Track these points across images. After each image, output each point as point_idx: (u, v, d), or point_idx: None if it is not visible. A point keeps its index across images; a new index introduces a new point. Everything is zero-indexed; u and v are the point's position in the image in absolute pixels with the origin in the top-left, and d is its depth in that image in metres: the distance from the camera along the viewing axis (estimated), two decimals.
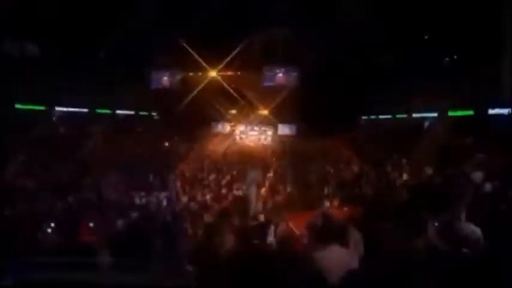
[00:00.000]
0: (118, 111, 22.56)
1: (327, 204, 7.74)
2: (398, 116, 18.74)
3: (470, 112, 13.24)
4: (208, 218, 7.63)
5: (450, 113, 14.35)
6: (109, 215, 7.55)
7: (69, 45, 15.39)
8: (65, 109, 17.97)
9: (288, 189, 11.28)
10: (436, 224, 4.66)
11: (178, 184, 11.53)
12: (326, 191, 10.10)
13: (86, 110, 19.71)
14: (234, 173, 13.85)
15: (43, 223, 5.01)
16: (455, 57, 14.66)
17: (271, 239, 4.53)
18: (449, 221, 4.43)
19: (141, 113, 24.64)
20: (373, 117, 22.25)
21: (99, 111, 20.76)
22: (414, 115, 17.13)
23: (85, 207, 8.36)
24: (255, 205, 9.16)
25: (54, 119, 17.22)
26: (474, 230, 3.42)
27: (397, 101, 18.51)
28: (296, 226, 4.54)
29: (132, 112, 23.75)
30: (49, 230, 4.29)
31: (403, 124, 17.12)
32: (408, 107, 17.70)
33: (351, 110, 21.05)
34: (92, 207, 8.40)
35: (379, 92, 19.12)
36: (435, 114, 15.50)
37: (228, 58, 20.52)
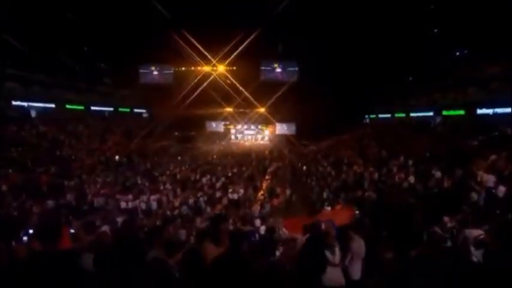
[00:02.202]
0: (94, 108, 21.63)
1: (328, 208, 7.71)
2: (397, 115, 19.96)
3: (462, 112, 14.40)
4: (200, 222, 7.56)
5: (444, 113, 15.49)
6: (93, 220, 7.40)
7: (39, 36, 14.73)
8: (25, 104, 16.73)
9: (288, 192, 11.22)
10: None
11: (169, 186, 11.39)
12: (325, 195, 10.07)
13: (53, 105, 18.54)
14: (229, 174, 13.77)
15: (19, 229, 4.86)
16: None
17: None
18: (457, 227, 4.44)
19: (121, 109, 23.97)
20: (373, 116, 22.95)
21: (69, 107, 19.70)
22: (412, 114, 18.30)
23: (66, 211, 8.19)
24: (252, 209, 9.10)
25: (33, 115, 16.79)
26: (481, 236, 3.41)
27: (396, 100, 19.72)
28: (294, 231, 4.49)
29: (111, 109, 23.10)
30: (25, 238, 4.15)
31: (408, 123, 17.35)
32: (406, 106, 18.78)
33: (353, 108, 21.23)
34: (74, 212, 8.24)
35: (379, 92, 19.77)
36: (431, 113, 16.61)
37: (224, 52, 20.37)
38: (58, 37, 15.50)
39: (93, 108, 21.69)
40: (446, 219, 4.49)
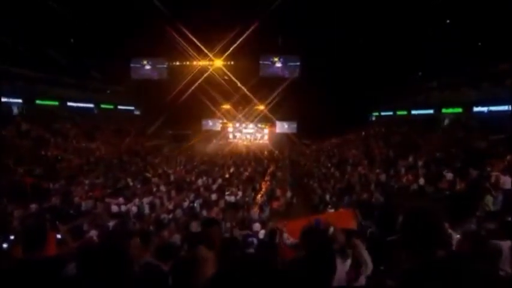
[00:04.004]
0: (71, 104, 20.40)
1: (331, 211, 7.65)
2: (399, 112, 20.30)
3: (459, 110, 15.00)
4: (196, 227, 7.48)
5: (443, 111, 16.00)
6: (80, 224, 7.31)
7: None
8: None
9: (288, 194, 11.18)
10: (458, 235, 4.62)
11: (163, 188, 11.30)
12: (328, 197, 10.04)
13: (19, 100, 17.27)
14: (227, 176, 13.70)
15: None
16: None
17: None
18: (472, 233, 4.39)
19: (104, 106, 23.01)
20: (376, 113, 23.10)
21: (39, 102, 18.41)
22: (413, 112, 18.78)
23: (52, 215, 8.08)
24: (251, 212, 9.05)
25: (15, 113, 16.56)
26: (497, 245, 3.35)
27: (398, 97, 19.86)
28: (293, 235, 4.48)
29: (92, 105, 22.06)
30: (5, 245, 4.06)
31: (417, 121, 17.41)
32: (408, 103, 19.07)
33: (358, 106, 21.21)
34: (60, 216, 8.13)
35: (384, 89, 19.90)
36: (431, 111, 17.06)
37: (221, 46, 20.22)
38: (43, 29, 15.27)
39: (69, 104, 20.35)
40: (446, 225, 4.47)
